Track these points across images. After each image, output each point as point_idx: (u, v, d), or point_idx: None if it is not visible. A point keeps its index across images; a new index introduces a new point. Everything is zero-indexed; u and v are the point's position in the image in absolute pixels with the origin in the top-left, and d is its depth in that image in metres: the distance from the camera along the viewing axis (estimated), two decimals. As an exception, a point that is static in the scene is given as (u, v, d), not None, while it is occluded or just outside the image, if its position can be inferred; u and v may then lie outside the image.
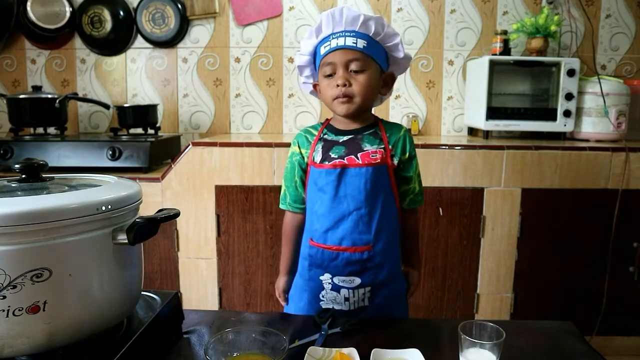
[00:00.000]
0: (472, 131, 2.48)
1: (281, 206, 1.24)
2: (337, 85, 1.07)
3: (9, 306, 0.60)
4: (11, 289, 0.59)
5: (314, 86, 1.19)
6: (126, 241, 0.66)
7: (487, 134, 2.22)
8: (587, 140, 2.17)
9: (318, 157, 1.13)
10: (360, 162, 1.09)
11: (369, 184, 1.09)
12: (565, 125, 2.15)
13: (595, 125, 2.16)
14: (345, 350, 0.87)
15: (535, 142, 2.10)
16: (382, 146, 1.12)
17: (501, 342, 0.76)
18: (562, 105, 2.13)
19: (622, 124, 2.14)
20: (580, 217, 2.00)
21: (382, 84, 1.14)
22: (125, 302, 0.73)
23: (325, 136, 1.16)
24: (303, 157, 1.17)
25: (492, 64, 2.12)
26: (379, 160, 1.10)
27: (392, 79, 1.17)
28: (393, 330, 1.00)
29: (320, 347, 0.90)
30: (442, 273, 2.03)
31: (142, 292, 0.90)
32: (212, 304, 2.09)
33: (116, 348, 0.68)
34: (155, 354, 0.82)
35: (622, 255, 2.01)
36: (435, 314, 2.06)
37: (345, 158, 1.10)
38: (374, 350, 0.85)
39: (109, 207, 0.65)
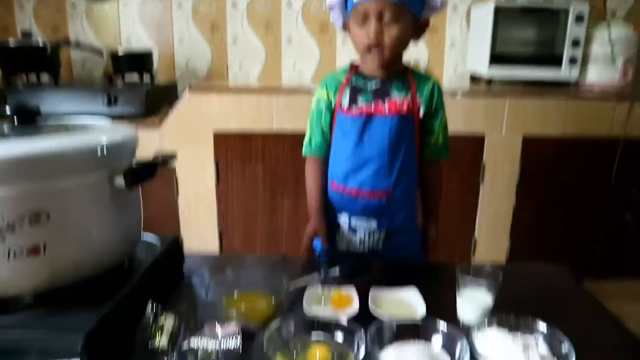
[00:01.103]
0: (474, 79, 2.43)
1: (305, 152, 1.21)
2: (369, 36, 1.04)
3: (9, 248, 0.60)
4: (10, 231, 0.59)
5: (344, 25, 1.15)
6: (123, 185, 0.65)
7: (490, 82, 2.18)
8: (591, 89, 2.13)
9: (345, 103, 1.11)
10: (387, 110, 1.08)
11: (393, 132, 1.08)
12: (570, 72, 2.10)
13: (601, 73, 2.11)
14: (344, 289, 0.89)
15: (538, 89, 2.07)
16: (410, 96, 1.10)
17: (498, 283, 0.77)
18: (568, 52, 2.07)
19: (629, 73, 2.09)
20: (580, 165, 2.00)
21: (415, 31, 1.10)
22: (125, 244, 0.73)
23: (353, 82, 1.14)
24: (330, 102, 1.15)
25: (498, 11, 2.04)
26: (405, 110, 1.09)
27: (426, 26, 1.13)
28: (392, 272, 1.02)
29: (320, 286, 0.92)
30: (440, 219, 2.05)
31: (143, 237, 0.90)
32: (213, 251, 2.13)
33: (118, 289, 0.69)
34: (157, 295, 0.84)
35: (620, 202, 2.03)
36: (432, 259, 2.10)
37: (372, 105, 1.09)
38: (372, 289, 0.87)
39: (105, 151, 0.64)
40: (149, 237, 0.91)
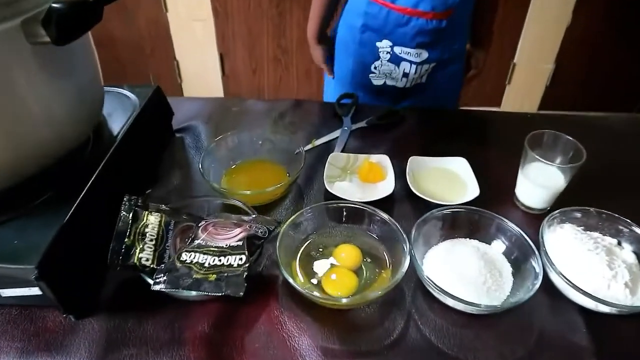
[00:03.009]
0: None
1: None
2: None
3: None
4: None
5: None
6: (47, 38, 0.41)
7: None
8: None
9: None
10: None
11: None
12: None
13: None
14: (374, 158, 0.71)
15: None
16: None
17: (579, 164, 0.58)
18: None
19: None
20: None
21: None
22: (77, 119, 0.52)
23: None
24: None
25: None
26: None
27: None
28: (430, 126, 0.83)
29: (344, 152, 0.74)
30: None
31: (114, 89, 0.69)
32: (214, 73, 1.90)
33: (86, 173, 0.51)
34: (141, 164, 0.67)
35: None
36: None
37: None
38: (411, 159, 0.69)
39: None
40: (120, 89, 0.70)
